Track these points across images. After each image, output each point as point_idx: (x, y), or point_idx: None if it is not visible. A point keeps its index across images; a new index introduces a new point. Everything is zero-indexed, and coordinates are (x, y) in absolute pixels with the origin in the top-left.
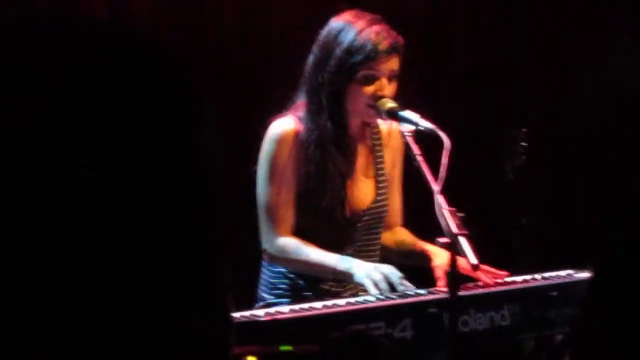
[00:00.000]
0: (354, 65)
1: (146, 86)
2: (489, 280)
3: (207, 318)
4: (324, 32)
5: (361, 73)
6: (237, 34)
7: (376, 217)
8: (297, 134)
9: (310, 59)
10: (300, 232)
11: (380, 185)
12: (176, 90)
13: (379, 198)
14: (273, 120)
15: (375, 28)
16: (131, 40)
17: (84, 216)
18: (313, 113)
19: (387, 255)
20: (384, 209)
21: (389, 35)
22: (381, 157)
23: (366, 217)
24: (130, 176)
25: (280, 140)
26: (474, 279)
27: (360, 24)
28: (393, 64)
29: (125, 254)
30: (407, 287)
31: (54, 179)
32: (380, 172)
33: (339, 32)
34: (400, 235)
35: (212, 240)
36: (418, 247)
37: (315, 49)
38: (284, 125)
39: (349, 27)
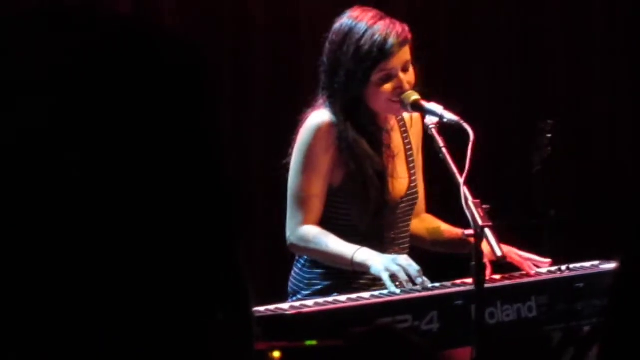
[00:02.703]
0: (366, 70)
1: (162, 80)
2: (529, 270)
3: (228, 311)
4: (329, 38)
5: (376, 76)
6: (262, 25)
7: (411, 203)
8: (333, 126)
9: (322, 67)
10: (341, 222)
11: (412, 171)
12: (193, 85)
13: (412, 184)
14: (308, 112)
15: (378, 26)
16: (149, 35)
17: (102, 211)
18: (338, 120)
19: (418, 244)
20: (417, 195)
21: (393, 30)
22: (409, 142)
23: (403, 204)
24: (151, 167)
25: (317, 131)
26: (518, 269)
27: (363, 25)
28: (404, 55)
29: (145, 246)
30: (425, 281)
31: (72, 174)
32: (411, 158)
33: (344, 38)
34: (430, 223)
35: (233, 232)
36: (461, 235)
37: (324, 57)
38: (322, 116)
39: (352, 32)
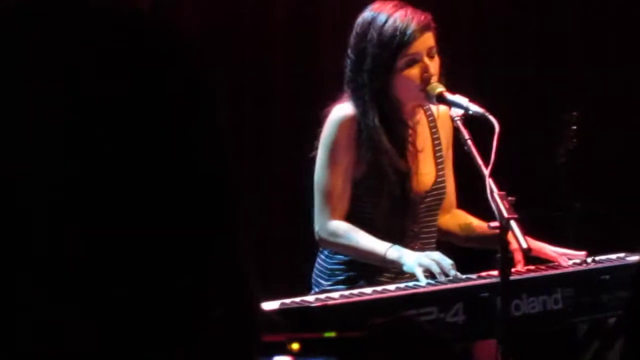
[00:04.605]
0: (391, 56)
1: (159, 76)
2: (564, 263)
3: (227, 307)
4: (353, 32)
5: (400, 61)
6: (286, 26)
7: (437, 198)
8: (356, 119)
9: (347, 62)
10: (363, 215)
11: (440, 167)
12: (190, 80)
13: (439, 179)
14: (332, 106)
15: (399, 13)
16: (146, 26)
17: (93, 202)
18: (361, 115)
19: (451, 240)
20: (444, 190)
21: (414, 16)
22: (438, 138)
23: (428, 199)
24: (145, 158)
25: (341, 125)
26: (550, 261)
27: (384, 15)
28: (427, 40)
29: (137, 238)
30: (458, 274)
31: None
32: (439, 153)
33: (367, 29)
34: (462, 218)
35: (230, 224)
36: (487, 228)
37: (349, 52)
38: (345, 110)
39: (374, 22)
